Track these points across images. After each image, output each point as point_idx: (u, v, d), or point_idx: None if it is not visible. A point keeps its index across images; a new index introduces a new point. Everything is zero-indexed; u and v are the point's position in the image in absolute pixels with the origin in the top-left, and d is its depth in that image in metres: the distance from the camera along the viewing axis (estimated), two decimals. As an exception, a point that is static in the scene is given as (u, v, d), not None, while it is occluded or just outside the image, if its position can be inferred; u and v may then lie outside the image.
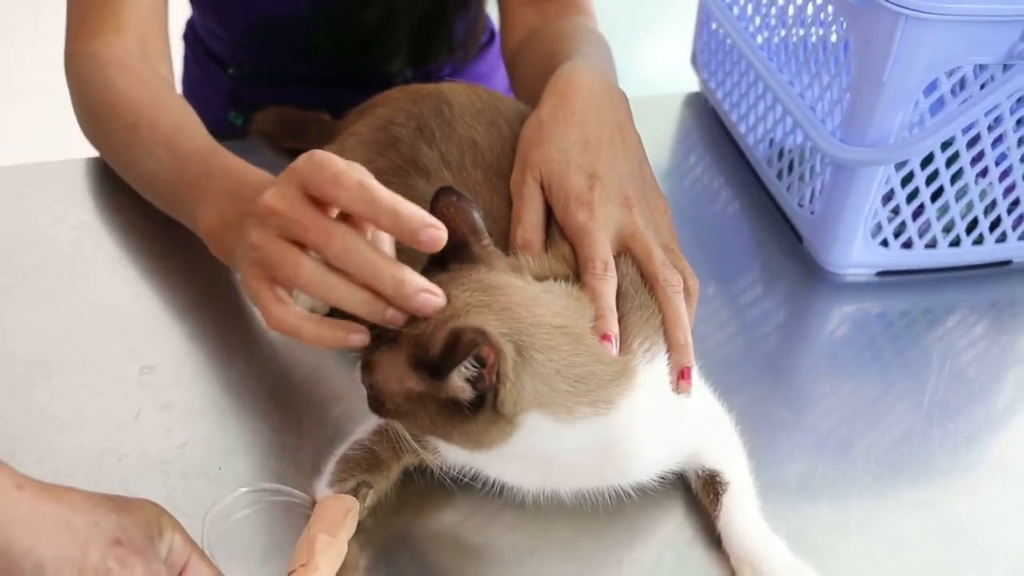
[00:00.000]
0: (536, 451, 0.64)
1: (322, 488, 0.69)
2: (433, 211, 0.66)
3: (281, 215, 0.63)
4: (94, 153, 0.96)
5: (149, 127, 0.86)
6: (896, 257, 0.93)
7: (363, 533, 0.67)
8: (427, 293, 0.62)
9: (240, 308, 0.85)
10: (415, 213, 0.62)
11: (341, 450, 0.71)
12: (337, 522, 0.65)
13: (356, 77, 1.14)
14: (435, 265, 0.67)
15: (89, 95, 0.92)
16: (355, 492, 0.68)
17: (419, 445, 0.66)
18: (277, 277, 0.65)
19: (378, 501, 0.69)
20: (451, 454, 0.67)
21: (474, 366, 0.60)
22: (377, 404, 0.65)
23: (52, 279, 0.87)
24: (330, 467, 0.70)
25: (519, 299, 0.63)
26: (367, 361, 0.65)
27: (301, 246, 0.64)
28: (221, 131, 0.82)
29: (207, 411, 0.77)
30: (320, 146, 0.89)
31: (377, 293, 0.62)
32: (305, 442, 0.74)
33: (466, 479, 0.69)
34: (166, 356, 0.81)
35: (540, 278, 0.69)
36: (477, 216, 0.67)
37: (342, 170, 0.62)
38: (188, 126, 0.86)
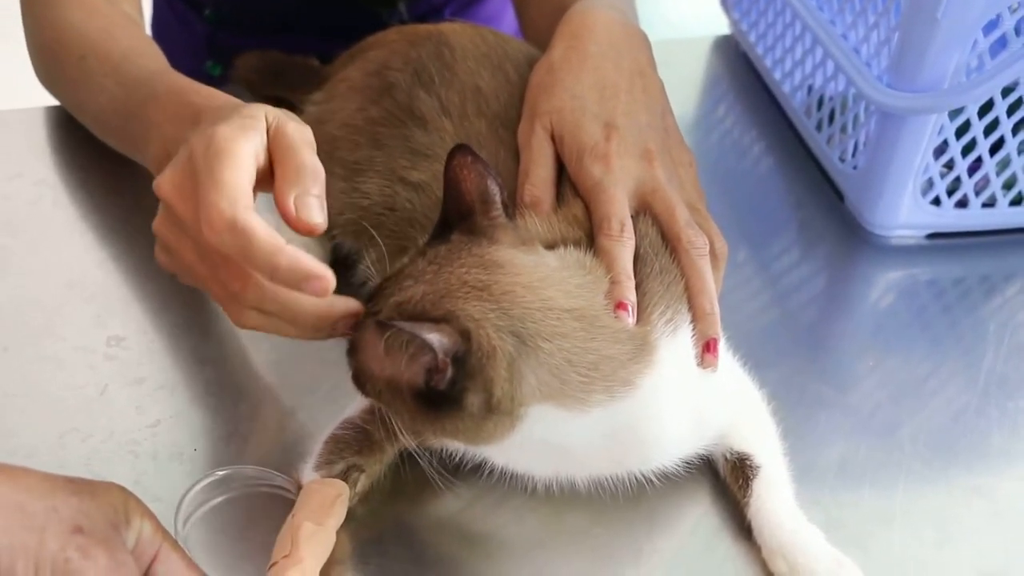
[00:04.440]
0: (545, 441, 0.64)
1: (308, 471, 0.68)
2: (447, 170, 0.66)
3: (183, 221, 0.64)
4: (55, 102, 0.96)
5: (99, 59, 0.85)
6: (949, 217, 0.92)
7: (353, 521, 0.67)
8: (352, 317, 0.65)
9: (218, 274, 0.84)
10: (293, 265, 0.60)
11: (329, 430, 0.70)
12: (324, 509, 0.65)
13: (347, 21, 1.13)
14: (443, 231, 0.66)
15: (42, 33, 0.91)
16: (345, 476, 0.68)
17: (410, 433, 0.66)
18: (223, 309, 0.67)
19: (370, 486, 0.69)
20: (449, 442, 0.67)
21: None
22: (359, 382, 0.65)
23: (7, 241, 0.87)
24: (317, 448, 0.69)
25: (525, 280, 0.63)
26: (353, 340, 0.65)
27: None
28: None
29: (181, 387, 0.76)
30: (308, 94, 0.89)
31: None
32: (289, 421, 0.74)
33: (469, 467, 0.68)
34: (136, 326, 0.80)
35: (550, 244, 0.68)
36: (492, 182, 0.66)
37: (213, 200, 0.60)
38: (138, 52, 0.85)
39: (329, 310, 0.65)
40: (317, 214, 0.63)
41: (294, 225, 0.63)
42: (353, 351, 0.65)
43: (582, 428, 0.63)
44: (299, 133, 0.65)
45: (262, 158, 0.64)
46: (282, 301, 0.63)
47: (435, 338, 0.58)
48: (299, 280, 0.61)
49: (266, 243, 0.60)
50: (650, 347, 0.64)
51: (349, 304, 0.65)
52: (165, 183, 0.64)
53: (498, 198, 0.66)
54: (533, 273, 0.64)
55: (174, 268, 0.69)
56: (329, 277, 0.61)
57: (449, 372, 0.59)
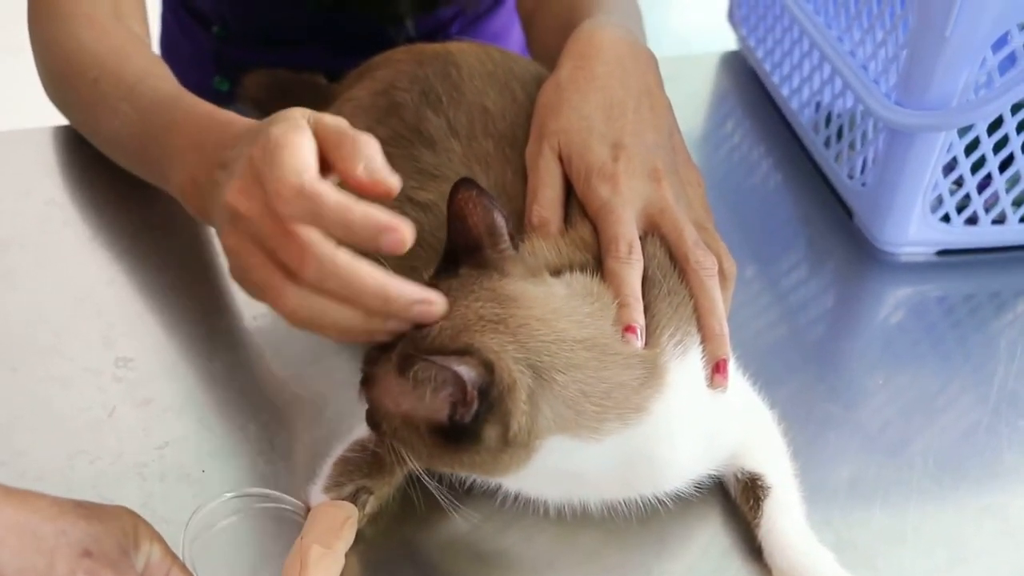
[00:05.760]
0: (559, 469, 0.64)
1: (317, 493, 0.68)
2: (450, 205, 0.66)
3: (248, 220, 0.62)
4: (64, 121, 0.96)
5: (112, 81, 0.85)
6: (959, 234, 0.92)
7: (362, 543, 0.67)
8: (422, 304, 0.61)
9: (225, 294, 0.84)
10: (368, 218, 0.59)
11: (338, 451, 0.70)
12: (333, 531, 0.65)
13: (354, 36, 1.13)
14: (448, 265, 0.66)
15: (52, 53, 0.91)
16: (354, 498, 0.68)
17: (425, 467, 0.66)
18: (263, 299, 0.64)
19: (379, 508, 0.69)
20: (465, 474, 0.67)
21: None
22: (374, 422, 0.65)
23: (16, 259, 0.87)
24: (326, 470, 0.69)
25: (538, 313, 0.63)
26: (367, 375, 0.65)
27: None
28: (204, 98, 0.81)
29: (189, 408, 0.76)
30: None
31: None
32: (297, 442, 0.74)
33: (481, 491, 0.69)
34: (144, 347, 0.80)
35: (557, 269, 0.68)
36: (498, 215, 0.66)
37: (279, 176, 0.60)
38: (153, 75, 0.85)
39: (395, 288, 0.61)
40: (389, 175, 0.62)
41: (370, 190, 0.61)
42: (367, 383, 0.65)
43: (596, 456, 0.63)
44: (339, 119, 0.65)
45: (315, 153, 0.63)
46: (343, 275, 0.60)
47: (464, 370, 0.58)
48: (375, 234, 0.59)
49: (337, 200, 0.59)
50: (660, 370, 0.64)
51: (414, 291, 0.61)
52: (231, 192, 0.63)
53: (505, 230, 0.66)
54: (545, 305, 0.64)
55: (244, 279, 0.66)
56: (406, 229, 0.59)
57: (475, 405, 0.59)
